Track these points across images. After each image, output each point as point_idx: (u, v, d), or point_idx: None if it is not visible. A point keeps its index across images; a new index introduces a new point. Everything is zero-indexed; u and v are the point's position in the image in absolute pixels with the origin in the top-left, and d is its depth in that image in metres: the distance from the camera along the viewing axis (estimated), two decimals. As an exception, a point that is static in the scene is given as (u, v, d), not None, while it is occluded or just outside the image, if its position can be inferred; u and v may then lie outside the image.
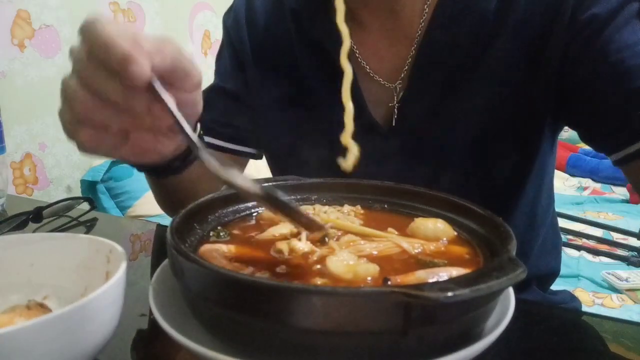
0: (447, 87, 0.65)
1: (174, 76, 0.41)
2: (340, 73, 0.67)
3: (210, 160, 0.40)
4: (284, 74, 0.73)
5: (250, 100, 0.77)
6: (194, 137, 0.41)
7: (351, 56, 0.69)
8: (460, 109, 0.65)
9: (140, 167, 0.57)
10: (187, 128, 0.40)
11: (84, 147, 0.43)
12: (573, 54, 0.59)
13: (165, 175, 0.57)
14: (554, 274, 0.81)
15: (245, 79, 0.77)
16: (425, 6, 0.65)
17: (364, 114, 0.68)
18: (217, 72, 0.82)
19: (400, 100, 0.67)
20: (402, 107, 0.67)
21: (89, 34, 0.39)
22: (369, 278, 0.37)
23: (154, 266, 0.43)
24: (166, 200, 0.78)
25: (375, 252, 0.41)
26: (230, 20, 0.79)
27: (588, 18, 0.57)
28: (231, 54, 0.79)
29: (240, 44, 0.77)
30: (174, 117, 0.40)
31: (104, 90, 0.40)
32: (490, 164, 0.67)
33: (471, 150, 0.66)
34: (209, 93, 0.80)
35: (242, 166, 0.84)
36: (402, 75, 0.67)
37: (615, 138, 0.59)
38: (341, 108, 0.57)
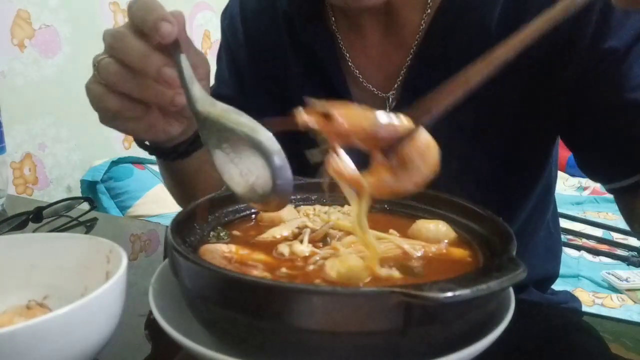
0: None
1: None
2: (328, 81, 0.66)
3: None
4: (276, 79, 0.72)
5: (247, 106, 0.76)
6: (197, 93, 0.43)
7: (343, 61, 0.68)
8: (456, 124, 0.64)
9: (151, 150, 0.61)
10: (191, 85, 0.43)
11: (108, 114, 0.50)
12: (588, 82, 0.58)
13: (172, 159, 0.62)
14: (551, 277, 0.80)
15: (242, 84, 0.76)
16: (425, 15, 0.62)
17: None
18: (216, 77, 0.81)
19: (393, 111, 0.66)
20: None
21: (136, 0, 0.46)
22: (369, 279, 0.37)
23: (154, 266, 0.43)
24: (176, 187, 0.76)
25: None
26: (227, 21, 0.78)
27: (607, 50, 0.56)
28: (228, 58, 0.77)
29: (237, 47, 0.75)
30: (182, 77, 0.44)
31: (128, 54, 0.46)
32: (491, 181, 0.65)
33: (470, 167, 0.63)
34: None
35: None
36: (396, 85, 0.65)
37: (613, 171, 0.61)
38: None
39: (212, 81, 0.83)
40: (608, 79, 0.57)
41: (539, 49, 0.58)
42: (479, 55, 0.61)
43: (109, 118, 0.51)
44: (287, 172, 0.36)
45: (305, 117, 0.38)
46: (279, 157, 0.36)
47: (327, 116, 0.37)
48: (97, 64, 0.48)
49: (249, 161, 0.39)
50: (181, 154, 0.61)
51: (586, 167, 0.65)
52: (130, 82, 0.47)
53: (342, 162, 0.38)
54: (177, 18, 0.44)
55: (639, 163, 0.58)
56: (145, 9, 0.44)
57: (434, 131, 0.63)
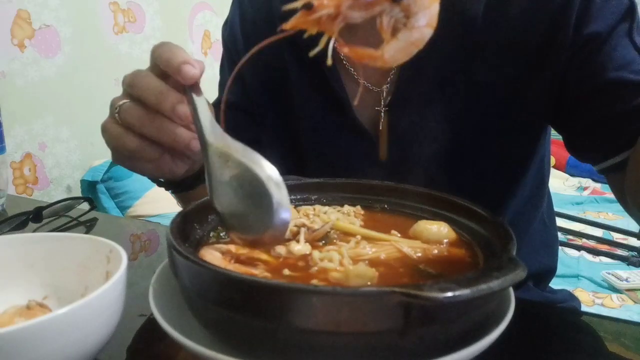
0: (436, 92, 0.65)
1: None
2: (328, 85, 0.67)
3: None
4: (276, 79, 0.73)
5: (251, 108, 0.78)
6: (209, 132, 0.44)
7: (336, 57, 0.68)
8: (450, 114, 0.65)
9: (159, 183, 0.65)
10: (204, 118, 0.45)
11: (124, 153, 0.52)
12: (574, 67, 0.60)
13: (179, 191, 0.66)
14: (549, 271, 0.81)
15: (245, 88, 0.77)
16: None
17: (350, 118, 0.68)
18: (220, 85, 0.82)
19: (388, 105, 0.67)
20: (390, 112, 0.67)
21: (161, 45, 0.50)
22: (368, 282, 0.37)
23: (154, 266, 0.43)
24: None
25: (375, 257, 0.41)
26: (227, 32, 0.80)
27: (590, 34, 0.58)
28: (230, 66, 0.79)
29: (238, 54, 0.77)
30: (195, 112, 0.46)
31: (146, 91, 0.48)
32: (483, 168, 0.67)
33: (463, 155, 0.66)
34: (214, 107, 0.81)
35: None
36: (389, 79, 0.67)
37: (602, 149, 0.62)
38: (331, 122, 0.64)
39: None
40: (593, 62, 0.59)
41: (526, 37, 0.60)
42: (467, 46, 0.62)
43: (124, 157, 0.54)
44: (287, 203, 0.38)
45: (292, 22, 0.40)
46: (280, 190, 0.38)
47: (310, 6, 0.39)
48: (118, 107, 0.51)
49: (250, 193, 0.40)
50: (186, 187, 0.64)
51: (575, 148, 0.66)
52: (150, 125, 0.50)
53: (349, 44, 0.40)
54: (199, 64, 0.48)
55: (625, 140, 0.59)
56: (171, 53, 0.48)
57: (425, 120, 0.65)
